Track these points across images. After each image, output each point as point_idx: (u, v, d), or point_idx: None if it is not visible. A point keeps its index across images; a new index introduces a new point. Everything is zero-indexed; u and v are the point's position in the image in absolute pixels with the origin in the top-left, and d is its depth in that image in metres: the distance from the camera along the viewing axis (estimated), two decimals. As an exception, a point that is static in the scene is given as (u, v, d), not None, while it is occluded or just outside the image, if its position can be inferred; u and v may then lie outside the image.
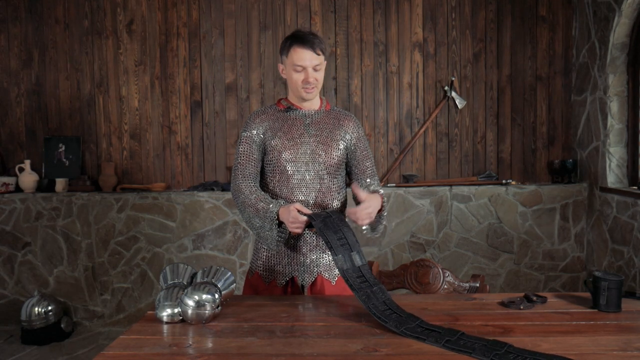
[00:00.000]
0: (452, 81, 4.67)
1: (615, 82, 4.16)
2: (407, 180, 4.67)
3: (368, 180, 2.40)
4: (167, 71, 4.72)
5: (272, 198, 2.32)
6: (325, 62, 2.31)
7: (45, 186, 4.69)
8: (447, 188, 4.52)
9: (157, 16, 4.67)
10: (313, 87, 2.27)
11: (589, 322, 1.85)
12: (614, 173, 4.23)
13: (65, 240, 4.50)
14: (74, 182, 4.62)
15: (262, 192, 2.27)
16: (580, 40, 4.57)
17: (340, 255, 1.97)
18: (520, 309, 2.00)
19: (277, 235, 2.20)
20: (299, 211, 2.14)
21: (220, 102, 4.73)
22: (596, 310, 1.98)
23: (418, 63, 4.71)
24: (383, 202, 2.28)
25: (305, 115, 2.35)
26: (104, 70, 4.73)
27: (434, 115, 4.69)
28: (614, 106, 4.17)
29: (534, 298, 2.07)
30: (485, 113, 4.73)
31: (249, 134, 2.32)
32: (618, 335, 1.73)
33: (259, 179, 2.33)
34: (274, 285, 2.37)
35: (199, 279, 2.02)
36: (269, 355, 1.58)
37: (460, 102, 4.67)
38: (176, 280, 2.03)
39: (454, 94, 4.67)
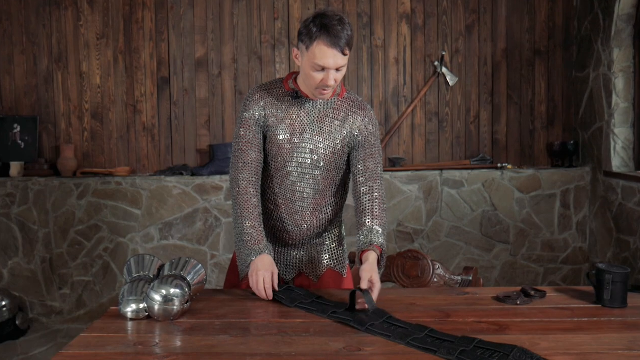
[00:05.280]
0: (442, 56, 4.61)
1: (620, 57, 4.11)
2: (393, 164, 4.62)
3: (370, 184, 2.21)
4: (131, 45, 4.62)
5: (268, 192, 2.27)
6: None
7: (-2, 170, 4.63)
8: (437, 172, 4.49)
9: (121, -15, 4.63)
10: (330, 90, 2.12)
11: (591, 319, 1.84)
12: (619, 156, 4.19)
13: (20, 230, 4.42)
14: (30, 166, 4.54)
15: (258, 209, 2.18)
16: (583, 11, 4.52)
17: (321, 311, 1.93)
18: (517, 304, 1.99)
19: (247, 271, 2.14)
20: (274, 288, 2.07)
21: (189, 79, 4.65)
22: (600, 305, 1.97)
23: (405, 36, 4.64)
24: (382, 251, 2.13)
25: (313, 107, 2.20)
26: (63, 44, 4.61)
27: (422, 93, 4.62)
28: (619, 83, 4.14)
29: (532, 292, 2.07)
30: (479, 91, 4.67)
31: (250, 115, 2.21)
32: (623, 332, 1.72)
33: (262, 167, 2.24)
34: None
35: (166, 271, 2.01)
36: (243, 355, 1.57)
37: (451, 79, 4.62)
38: (142, 273, 2.02)
39: (444, 69, 4.61)
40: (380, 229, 2.15)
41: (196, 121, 4.65)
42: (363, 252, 2.09)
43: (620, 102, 4.12)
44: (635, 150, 4.15)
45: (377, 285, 1.96)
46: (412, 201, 4.46)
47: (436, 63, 4.60)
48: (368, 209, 2.18)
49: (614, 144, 4.16)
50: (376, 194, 2.21)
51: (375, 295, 1.93)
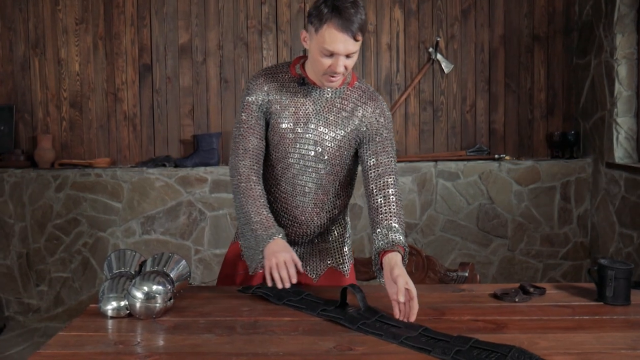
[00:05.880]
0: (437, 42, 4.58)
1: (623, 43, 4.08)
2: (386, 155, 4.52)
3: (384, 179, 2.13)
4: (112, 30, 4.60)
5: (268, 184, 2.23)
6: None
7: (-28, 162, 4.59)
8: (431, 164, 4.49)
9: (101, -33, 4.65)
10: (339, 77, 2.05)
11: (593, 317, 1.85)
12: (622, 147, 4.17)
13: (-5, 224, 4.47)
14: (6, 157, 4.51)
15: (263, 197, 2.13)
16: (584, -6, 4.55)
17: (310, 309, 1.92)
18: (515, 301, 2.00)
19: (260, 260, 2.06)
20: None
21: (172, 66, 4.62)
22: (602, 303, 1.97)
23: (398, 21, 4.62)
24: (404, 251, 2.03)
25: (319, 95, 2.14)
26: (40, 30, 4.59)
27: (416, 80, 4.60)
28: (622, 70, 4.11)
29: (531, 289, 2.07)
30: (475, 78, 4.66)
31: (253, 99, 2.16)
32: (626, 331, 1.73)
33: (263, 154, 2.21)
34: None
35: (148, 267, 2.02)
36: (228, 355, 1.57)
37: (446, 66, 4.60)
38: (122, 269, 2.03)
39: (439, 56, 4.58)
40: (399, 227, 2.07)
41: (179, 110, 4.64)
42: (384, 253, 1.98)
43: (623, 90, 4.09)
44: (638, 140, 4.12)
45: (414, 291, 1.82)
46: (406, 194, 4.43)
47: (430, 49, 4.59)
48: (383, 206, 2.10)
49: (616, 134, 4.14)
50: (391, 190, 2.12)
51: (415, 299, 1.81)
